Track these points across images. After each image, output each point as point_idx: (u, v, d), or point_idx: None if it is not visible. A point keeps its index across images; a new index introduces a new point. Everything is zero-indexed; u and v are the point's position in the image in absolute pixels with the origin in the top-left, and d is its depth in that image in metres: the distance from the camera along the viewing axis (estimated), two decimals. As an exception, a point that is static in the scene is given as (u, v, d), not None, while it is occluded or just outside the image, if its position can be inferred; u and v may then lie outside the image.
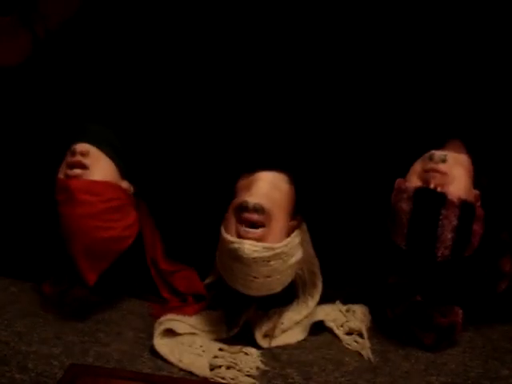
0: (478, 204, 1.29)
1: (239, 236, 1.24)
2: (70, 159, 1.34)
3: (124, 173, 1.41)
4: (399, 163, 1.33)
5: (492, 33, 1.34)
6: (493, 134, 1.35)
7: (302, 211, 1.37)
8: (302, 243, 1.34)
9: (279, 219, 1.27)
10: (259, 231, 1.24)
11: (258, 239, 1.24)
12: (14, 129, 1.49)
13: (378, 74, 1.37)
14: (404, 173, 1.32)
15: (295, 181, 1.35)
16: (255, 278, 1.24)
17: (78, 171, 1.32)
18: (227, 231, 1.27)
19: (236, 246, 1.23)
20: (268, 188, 1.30)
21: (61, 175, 1.34)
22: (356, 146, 1.39)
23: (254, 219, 1.24)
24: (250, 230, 1.24)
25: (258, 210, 1.24)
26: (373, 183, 1.37)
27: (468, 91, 1.35)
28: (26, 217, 1.49)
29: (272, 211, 1.26)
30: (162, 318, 1.32)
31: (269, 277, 1.25)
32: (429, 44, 1.36)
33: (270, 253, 1.23)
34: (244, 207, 1.25)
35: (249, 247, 1.22)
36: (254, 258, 1.22)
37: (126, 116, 1.45)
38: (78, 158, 1.33)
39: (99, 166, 1.35)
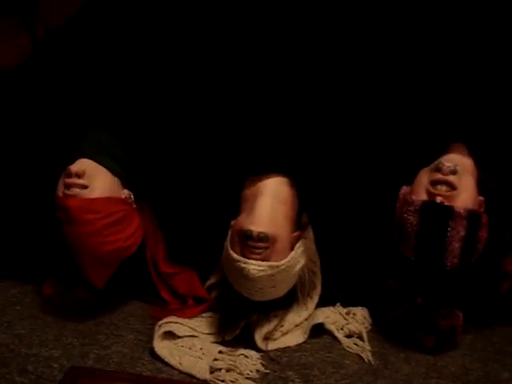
0: (483, 210, 1.28)
1: (244, 254, 1.25)
2: (66, 181, 1.32)
3: (125, 179, 1.40)
4: (402, 166, 1.33)
5: (494, 36, 1.34)
6: (495, 136, 1.34)
7: (306, 210, 1.37)
8: (305, 242, 1.35)
9: (283, 239, 1.28)
10: (264, 253, 1.25)
11: (263, 259, 1.25)
12: (15, 133, 1.49)
13: (380, 78, 1.36)
14: (406, 176, 1.31)
15: (298, 183, 1.35)
16: (260, 289, 1.26)
17: (76, 190, 1.31)
18: (232, 248, 1.27)
19: (241, 265, 1.24)
20: (271, 207, 1.29)
21: (60, 192, 1.33)
22: (358, 150, 1.38)
23: (258, 247, 1.25)
24: (255, 250, 1.25)
25: (263, 238, 1.25)
26: (375, 186, 1.37)
27: (470, 95, 1.34)
28: (27, 220, 1.49)
29: (276, 235, 1.26)
30: (162, 321, 1.32)
31: (274, 287, 1.27)
32: (431, 47, 1.35)
33: (275, 270, 1.25)
34: (248, 236, 1.25)
35: (254, 267, 1.23)
36: (259, 277, 1.24)
37: (127, 120, 1.44)
38: (74, 179, 1.32)
39: (97, 183, 1.33)
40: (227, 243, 1.29)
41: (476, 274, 1.33)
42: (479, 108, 1.33)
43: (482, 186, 1.30)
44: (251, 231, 1.25)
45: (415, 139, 1.34)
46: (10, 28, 1.60)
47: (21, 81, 1.50)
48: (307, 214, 1.39)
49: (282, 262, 1.26)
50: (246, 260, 1.24)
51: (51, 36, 1.54)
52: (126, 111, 1.44)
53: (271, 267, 1.24)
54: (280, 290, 1.31)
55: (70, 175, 1.32)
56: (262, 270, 1.23)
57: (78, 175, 1.32)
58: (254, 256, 1.24)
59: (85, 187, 1.32)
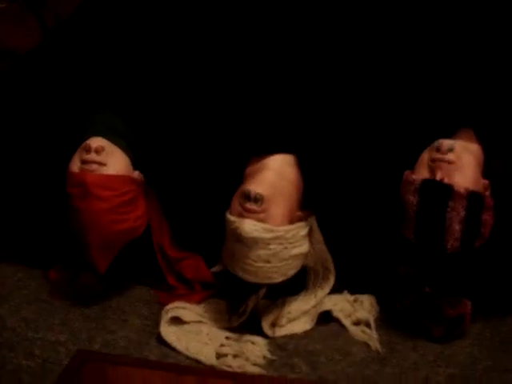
0: (488, 193, 1.27)
1: (241, 215, 1.25)
2: (85, 156, 1.32)
3: (134, 162, 1.40)
4: (409, 152, 1.32)
5: (501, 20, 1.32)
6: (504, 122, 1.33)
7: (311, 206, 1.36)
8: (313, 243, 1.34)
9: (280, 205, 1.27)
10: (262, 207, 1.24)
11: (259, 220, 1.24)
12: (24, 118, 1.49)
13: (387, 61, 1.35)
14: (413, 161, 1.30)
15: (303, 167, 1.34)
16: (254, 261, 1.24)
17: (94, 166, 1.31)
18: (231, 213, 1.28)
19: (236, 225, 1.23)
20: (274, 178, 1.29)
21: (75, 169, 1.32)
22: (365, 135, 1.37)
23: (253, 209, 1.24)
24: (253, 206, 1.24)
25: (258, 200, 1.24)
26: (382, 172, 1.36)
27: (478, 80, 1.33)
28: (34, 204, 1.49)
29: (273, 198, 1.25)
30: (169, 306, 1.32)
31: (268, 262, 1.25)
32: (438, 30, 1.34)
33: (270, 235, 1.23)
34: (246, 195, 1.25)
35: (248, 225, 1.22)
36: (253, 238, 1.22)
37: (134, 104, 1.44)
38: (93, 156, 1.32)
39: (114, 160, 1.34)
40: (227, 213, 1.28)
41: (486, 263, 1.32)
42: (487, 93, 1.32)
43: (489, 171, 1.29)
44: (249, 190, 1.24)
45: (422, 124, 1.34)
46: (17, 13, 1.60)
47: (31, 65, 1.50)
48: (314, 202, 1.38)
49: (278, 228, 1.24)
50: (241, 219, 1.23)
51: (60, 23, 1.54)
52: (132, 95, 1.43)
53: (265, 229, 1.23)
54: (274, 272, 1.27)
55: (89, 151, 1.32)
56: (256, 230, 1.22)
57: (97, 151, 1.32)
58: (250, 215, 1.23)
59: (102, 164, 1.32)
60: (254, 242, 1.23)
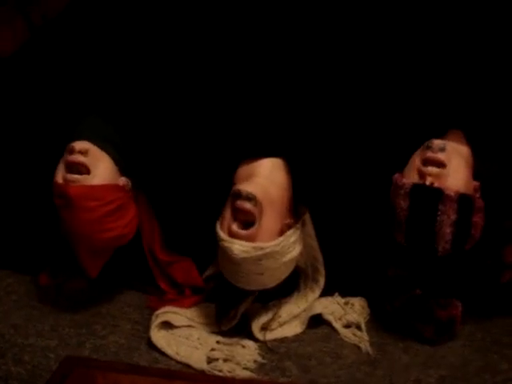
0: (478, 195, 1.27)
1: (230, 234, 1.22)
2: (68, 158, 1.29)
3: (122, 166, 1.38)
4: (399, 153, 1.31)
5: (492, 21, 1.32)
6: (494, 123, 1.33)
7: (305, 203, 1.36)
8: (304, 237, 1.33)
9: (271, 217, 1.24)
10: (250, 231, 1.21)
11: (248, 239, 1.21)
12: (11, 121, 1.48)
13: (376, 62, 1.35)
14: (403, 163, 1.30)
15: (293, 169, 1.33)
16: (246, 274, 1.23)
17: (77, 176, 1.28)
18: (221, 227, 1.25)
19: (226, 244, 1.21)
20: (264, 183, 1.27)
21: (59, 179, 1.29)
22: (355, 137, 1.37)
23: (245, 207, 1.21)
24: (241, 231, 1.21)
25: (251, 198, 1.21)
26: (372, 174, 1.36)
27: (468, 81, 1.33)
28: (23, 209, 1.48)
29: (264, 205, 1.23)
30: (159, 311, 1.32)
31: (261, 274, 1.23)
32: (427, 32, 1.33)
33: (260, 252, 1.21)
34: (237, 195, 1.22)
35: (238, 247, 1.20)
36: (243, 258, 1.20)
37: (123, 107, 1.43)
38: (77, 156, 1.28)
39: (98, 167, 1.30)
40: (217, 224, 1.26)
41: (476, 264, 1.32)
42: (476, 94, 1.32)
43: (479, 172, 1.29)
44: (240, 190, 1.22)
45: (412, 126, 1.33)
46: (5, 14, 1.59)
47: (16, 68, 1.49)
48: (305, 203, 1.38)
49: (268, 244, 1.22)
50: (232, 239, 1.21)
51: (48, 23, 1.53)
52: (121, 98, 1.42)
53: (255, 248, 1.20)
54: (267, 280, 1.26)
55: (72, 151, 1.28)
56: (246, 251, 1.20)
57: (82, 152, 1.29)
58: (239, 235, 1.20)
59: (86, 168, 1.28)
60: (244, 261, 1.21)
